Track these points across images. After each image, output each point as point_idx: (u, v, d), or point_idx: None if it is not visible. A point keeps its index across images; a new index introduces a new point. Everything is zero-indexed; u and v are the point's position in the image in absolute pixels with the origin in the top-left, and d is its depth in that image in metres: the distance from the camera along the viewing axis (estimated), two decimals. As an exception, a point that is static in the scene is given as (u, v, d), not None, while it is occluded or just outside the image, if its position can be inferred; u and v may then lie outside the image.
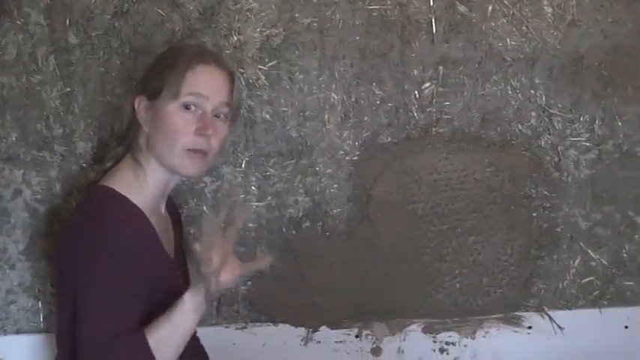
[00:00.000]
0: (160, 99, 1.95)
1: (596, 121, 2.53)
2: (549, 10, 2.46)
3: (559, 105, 2.51)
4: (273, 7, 2.36)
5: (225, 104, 1.99)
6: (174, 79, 1.93)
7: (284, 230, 2.46)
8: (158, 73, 1.98)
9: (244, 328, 2.48)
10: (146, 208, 1.95)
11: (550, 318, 2.60)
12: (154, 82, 1.97)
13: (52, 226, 2.36)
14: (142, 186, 1.96)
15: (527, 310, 2.60)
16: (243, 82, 2.37)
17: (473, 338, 2.59)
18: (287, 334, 2.51)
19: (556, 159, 2.54)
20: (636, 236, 2.61)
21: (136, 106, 1.99)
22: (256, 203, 2.43)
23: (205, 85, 1.95)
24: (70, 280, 1.86)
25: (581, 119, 2.53)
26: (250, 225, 2.44)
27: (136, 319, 1.84)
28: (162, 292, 1.90)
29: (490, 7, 2.44)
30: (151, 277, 1.89)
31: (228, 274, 1.85)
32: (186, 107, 1.94)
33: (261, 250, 2.44)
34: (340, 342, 2.54)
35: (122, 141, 2.07)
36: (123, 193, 1.93)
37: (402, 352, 2.57)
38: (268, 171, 2.43)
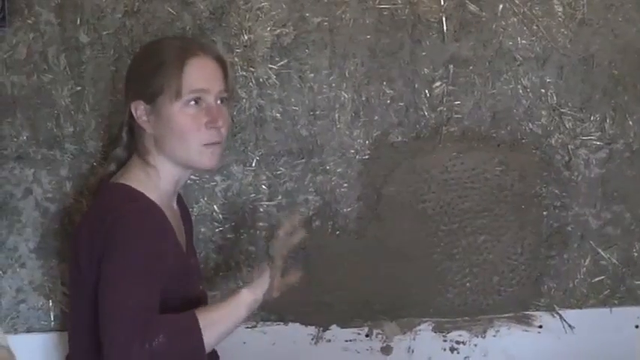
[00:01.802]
0: (160, 101, 1.93)
1: (607, 120, 2.53)
2: (560, 9, 2.46)
3: (569, 104, 2.51)
4: (284, 6, 2.36)
5: (224, 90, 1.99)
6: (172, 80, 1.91)
7: (294, 229, 2.46)
8: (150, 75, 1.94)
9: (254, 327, 2.48)
10: (161, 204, 1.95)
11: (560, 317, 2.60)
12: (148, 86, 1.94)
13: (62, 225, 2.36)
14: (155, 184, 1.97)
15: (537, 310, 2.59)
16: (253, 81, 2.37)
17: (483, 337, 2.58)
18: (297, 333, 2.51)
19: (566, 158, 2.53)
20: (646, 235, 2.61)
21: (133, 112, 1.97)
22: (267, 202, 2.43)
23: (203, 78, 1.94)
24: (92, 277, 1.86)
25: (592, 118, 2.52)
26: (260, 224, 2.44)
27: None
28: (176, 288, 1.91)
29: (500, 6, 2.44)
30: (170, 272, 1.90)
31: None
32: (192, 103, 1.94)
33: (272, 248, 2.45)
34: (350, 341, 2.54)
35: (118, 143, 2.06)
36: (139, 189, 1.93)
37: (412, 351, 2.56)
38: (279, 170, 2.43)
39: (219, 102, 1.97)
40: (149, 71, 1.95)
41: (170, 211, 2.01)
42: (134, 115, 1.97)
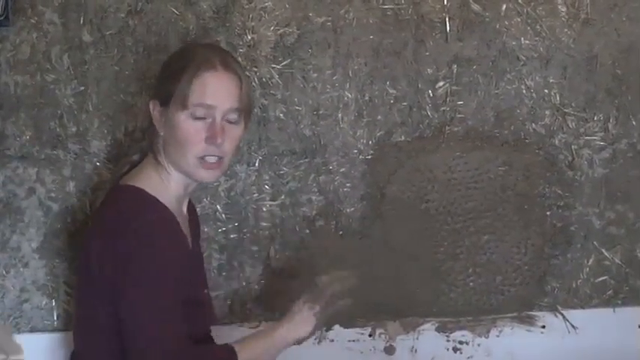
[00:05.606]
0: (171, 106, 1.94)
1: (610, 120, 2.53)
2: (563, 8, 2.46)
3: (573, 104, 2.51)
4: (287, 5, 2.36)
5: (235, 110, 1.95)
6: (182, 89, 1.91)
7: (297, 229, 2.45)
8: (168, 79, 1.96)
9: (257, 327, 2.48)
10: (173, 209, 1.96)
11: (564, 317, 2.60)
12: (164, 89, 1.96)
13: (65, 225, 2.36)
14: (167, 187, 1.97)
15: (540, 310, 2.59)
16: (256, 81, 2.37)
17: (486, 337, 2.58)
18: (300, 332, 2.50)
19: (570, 158, 2.53)
20: (650, 235, 2.61)
21: (151, 110, 1.99)
22: (270, 202, 2.43)
23: (212, 94, 1.92)
24: (103, 283, 1.86)
25: (595, 118, 2.52)
26: (264, 224, 2.44)
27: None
28: (189, 294, 1.93)
29: (504, 6, 2.43)
30: (187, 280, 1.92)
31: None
32: (197, 116, 1.93)
33: (275, 249, 2.44)
34: (353, 341, 2.54)
35: (139, 146, 2.07)
36: (152, 194, 1.93)
37: (416, 351, 2.56)
38: (282, 170, 2.43)
39: (226, 120, 1.94)
40: (169, 75, 1.96)
41: (181, 217, 2.01)
42: (151, 112, 1.99)
